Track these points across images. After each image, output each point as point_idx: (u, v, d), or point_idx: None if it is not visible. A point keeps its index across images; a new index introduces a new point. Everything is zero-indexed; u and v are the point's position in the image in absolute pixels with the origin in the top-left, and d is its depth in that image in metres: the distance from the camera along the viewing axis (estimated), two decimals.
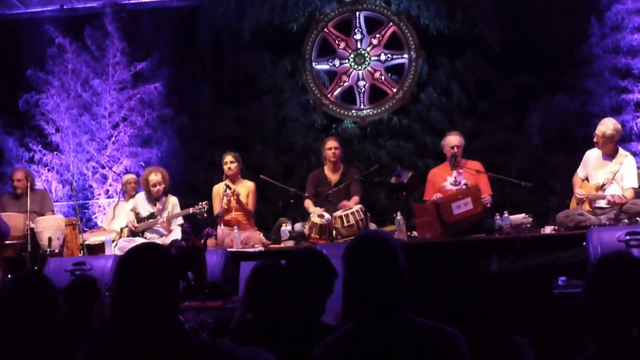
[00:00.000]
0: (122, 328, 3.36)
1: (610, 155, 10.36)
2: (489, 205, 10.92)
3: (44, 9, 15.17)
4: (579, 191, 10.46)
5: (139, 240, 10.59)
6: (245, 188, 11.70)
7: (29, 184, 11.81)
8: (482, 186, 11.01)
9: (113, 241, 11.27)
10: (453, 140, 11.17)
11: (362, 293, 3.40)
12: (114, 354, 3.29)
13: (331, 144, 11.80)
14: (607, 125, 10.25)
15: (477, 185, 10.92)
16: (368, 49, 14.67)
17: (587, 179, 10.58)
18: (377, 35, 14.65)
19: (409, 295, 3.45)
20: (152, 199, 11.40)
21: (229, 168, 11.60)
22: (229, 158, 11.66)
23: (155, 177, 11.34)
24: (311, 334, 3.86)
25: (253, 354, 3.62)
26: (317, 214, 11.06)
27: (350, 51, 14.71)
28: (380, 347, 3.29)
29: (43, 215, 11.85)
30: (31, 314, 4.27)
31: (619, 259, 3.30)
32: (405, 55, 14.53)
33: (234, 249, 10.61)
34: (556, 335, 6.79)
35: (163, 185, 11.34)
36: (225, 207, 11.39)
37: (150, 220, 11.22)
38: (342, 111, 14.70)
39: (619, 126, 10.45)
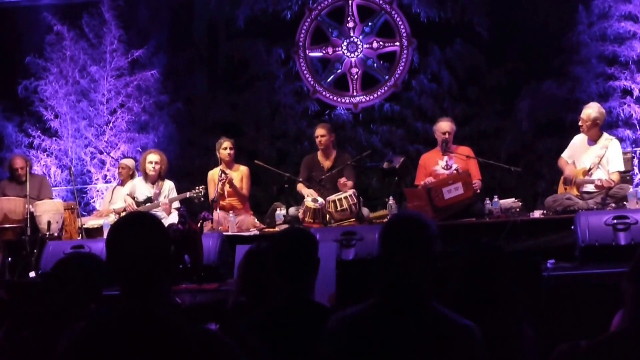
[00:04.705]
0: (115, 307, 3.12)
1: (594, 139, 10.52)
2: (478, 190, 11.06)
3: None
4: (569, 170, 10.66)
5: None
6: (240, 173, 11.78)
7: (28, 169, 11.97)
8: (472, 171, 11.09)
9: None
10: (444, 126, 11.26)
11: (392, 271, 3.37)
12: (100, 336, 3.05)
13: (318, 131, 11.85)
14: (592, 108, 10.44)
15: (468, 171, 11.03)
16: (360, 37, 14.82)
17: (573, 163, 10.74)
18: (370, 24, 14.79)
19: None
20: (150, 182, 11.54)
21: (228, 154, 11.67)
22: (227, 144, 11.68)
23: (154, 156, 11.50)
24: (313, 315, 3.86)
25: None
26: (311, 197, 11.20)
27: (343, 39, 14.85)
28: (399, 329, 3.28)
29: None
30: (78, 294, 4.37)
31: None
32: (397, 43, 14.65)
33: (229, 233, 10.71)
34: (545, 316, 6.99)
35: (160, 166, 11.47)
36: (221, 192, 11.46)
37: (147, 205, 11.30)
38: (335, 98, 14.86)
39: (603, 110, 10.63)
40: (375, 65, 14.79)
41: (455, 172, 11.09)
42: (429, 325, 3.29)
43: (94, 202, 14.30)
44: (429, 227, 3.43)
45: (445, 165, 11.23)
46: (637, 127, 12.99)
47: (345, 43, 14.80)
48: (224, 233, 10.50)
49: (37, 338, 4.29)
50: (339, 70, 14.93)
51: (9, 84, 14.73)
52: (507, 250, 9.33)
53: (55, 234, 11.34)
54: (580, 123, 10.52)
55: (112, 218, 11.70)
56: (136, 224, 3.16)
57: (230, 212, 11.37)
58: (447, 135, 11.20)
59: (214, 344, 3.02)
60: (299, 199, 11.91)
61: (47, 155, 14.62)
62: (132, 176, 12.38)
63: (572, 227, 9.19)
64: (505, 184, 13.01)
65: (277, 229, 11.02)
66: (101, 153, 14.58)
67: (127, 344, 2.97)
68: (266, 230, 11.18)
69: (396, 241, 3.40)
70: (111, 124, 14.62)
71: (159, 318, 3.04)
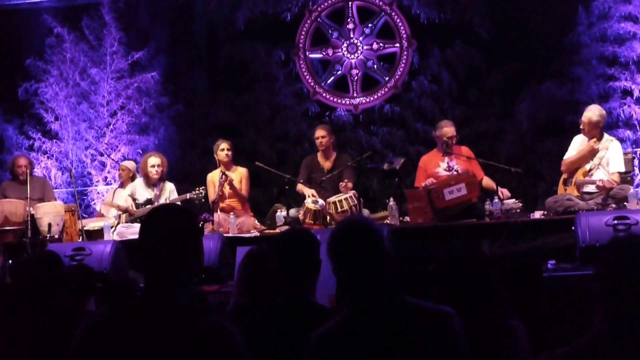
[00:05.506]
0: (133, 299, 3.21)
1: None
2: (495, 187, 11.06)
3: None
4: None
5: (137, 226, 10.64)
6: (239, 174, 11.81)
7: (28, 171, 11.97)
8: (476, 171, 11.16)
9: (112, 227, 11.42)
10: (450, 131, 11.11)
11: (352, 280, 3.36)
12: (114, 323, 3.09)
13: (318, 133, 11.88)
14: (593, 112, 10.39)
15: (470, 171, 11.04)
16: (360, 39, 14.83)
17: None
18: (370, 25, 14.79)
19: (403, 279, 3.51)
20: (150, 184, 11.53)
21: (226, 155, 11.68)
22: (225, 145, 11.71)
23: (155, 159, 11.50)
24: (315, 316, 3.82)
25: None
26: (311, 199, 11.20)
27: (343, 40, 14.87)
28: (377, 331, 3.27)
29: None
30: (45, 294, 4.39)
31: (633, 242, 3.28)
32: (397, 45, 14.65)
33: (230, 234, 10.71)
34: (546, 317, 6.98)
35: (162, 168, 11.48)
36: (221, 193, 11.47)
37: (148, 207, 11.27)
38: (335, 99, 14.86)
39: (604, 112, 10.59)
40: (375, 66, 14.80)
41: (455, 172, 11.07)
42: (404, 319, 3.30)
43: (94, 204, 14.31)
44: (371, 225, 3.47)
45: (447, 166, 11.20)
46: (638, 127, 12.99)
47: (345, 44, 14.82)
48: (225, 235, 10.51)
49: (37, 337, 4.29)
50: (339, 72, 14.95)
51: (9, 87, 14.78)
52: (506, 252, 9.51)
53: (56, 236, 11.33)
54: (581, 126, 10.50)
55: (112, 220, 11.73)
56: (166, 213, 3.26)
57: (231, 213, 11.34)
58: (453, 140, 11.18)
59: (223, 337, 3.06)
60: (299, 201, 11.92)
61: (48, 158, 14.66)
62: (132, 178, 12.37)
63: (573, 228, 9.18)
64: (506, 185, 12.99)
65: (277, 230, 11.02)
66: (101, 155, 14.61)
67: (139, 330, 3.02)
68: (267, 231, 11.16)
69: (345, 247, 3.41)
70: (111, 126, 14.65)
71: (175, 306, 3.08)
